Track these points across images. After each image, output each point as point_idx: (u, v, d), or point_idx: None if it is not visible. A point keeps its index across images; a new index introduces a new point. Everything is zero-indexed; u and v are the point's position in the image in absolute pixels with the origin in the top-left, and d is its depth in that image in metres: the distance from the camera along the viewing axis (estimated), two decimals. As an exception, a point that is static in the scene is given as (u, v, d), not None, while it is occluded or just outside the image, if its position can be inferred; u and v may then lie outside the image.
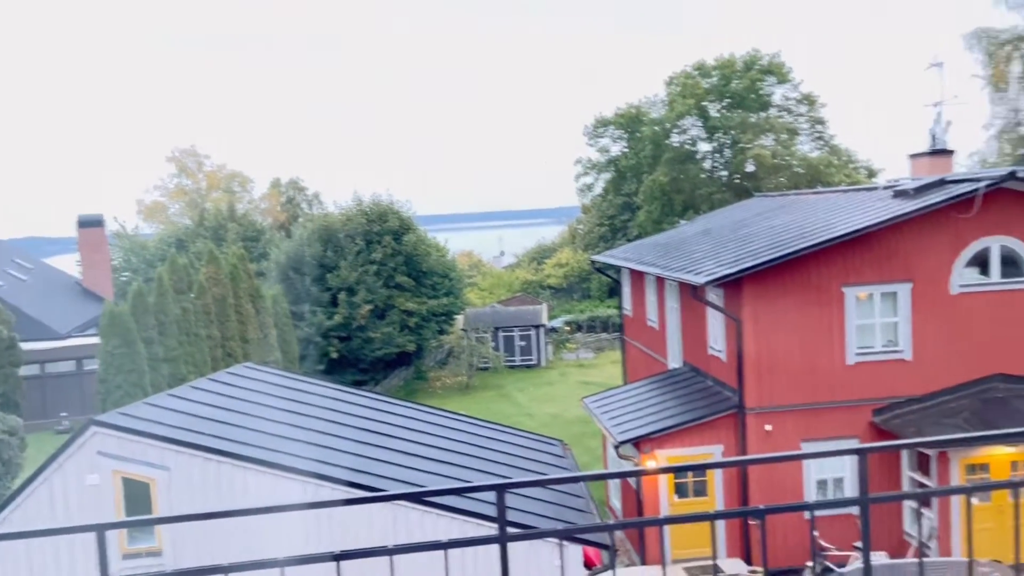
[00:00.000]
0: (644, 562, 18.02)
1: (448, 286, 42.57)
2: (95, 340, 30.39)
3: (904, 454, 16.70)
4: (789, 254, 16.61)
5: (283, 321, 33.32)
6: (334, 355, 38.18)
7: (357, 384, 35.61)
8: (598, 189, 61.74)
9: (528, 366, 44.28)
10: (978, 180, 16.81)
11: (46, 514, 13.07)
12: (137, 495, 13.19)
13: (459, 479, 14.38)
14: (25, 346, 25.27)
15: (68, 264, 52.88)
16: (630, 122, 57.66)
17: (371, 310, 39.16)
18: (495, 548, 2.62)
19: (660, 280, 22.58)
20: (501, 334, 44.44)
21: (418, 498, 12.53)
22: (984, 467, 15.81)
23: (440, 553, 2.54)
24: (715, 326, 18.63)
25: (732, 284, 17.16)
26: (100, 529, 3.11)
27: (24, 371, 23.34)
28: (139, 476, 13.22)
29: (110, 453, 13.17)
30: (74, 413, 32.74)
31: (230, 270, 30.82)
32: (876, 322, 17.07)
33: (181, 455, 13.25)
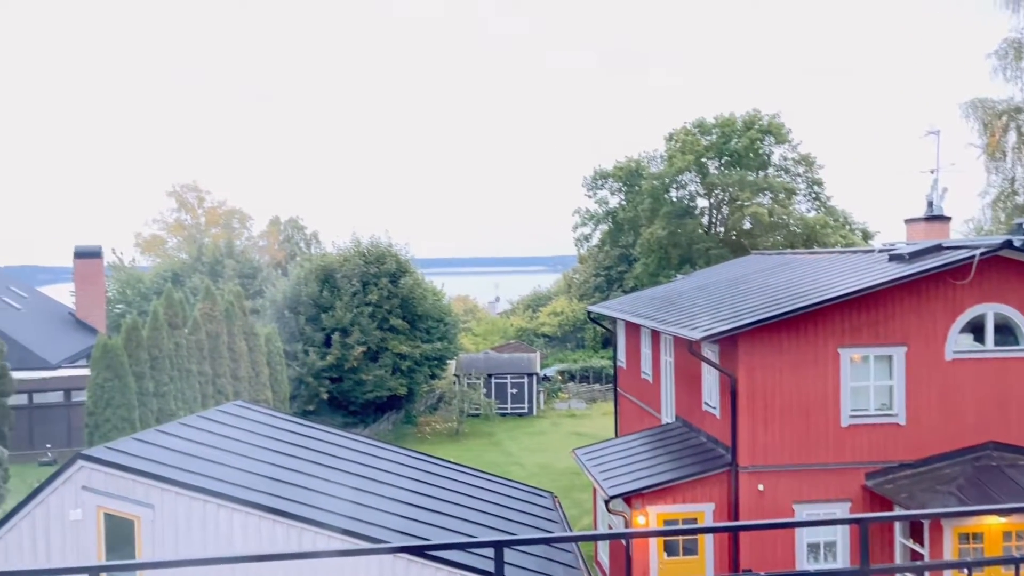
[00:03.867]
0: (631, 621, 17.71)
1: (442, 331, 42.50)
2: (85, 372, 30.16)
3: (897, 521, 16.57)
4: (786, 313, 16.66)
5: (276, 360, 33.15)
6: (324, 396, 37.91)
7: (347, 426, 35.31)
8: (595, 240, 62.08)
9: (519, 414, 44.00)
10: (974, 247, 16.97)
11: (27, 549, 12.83)
12: (120, 532, 12.98)
13: (450, 529, 14.20)
14: (15, 375, 25.06)
15: (62, 294, 52.72)
16: (629, 175, 58.26)
17: (364, 352, 39.01)
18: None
19: (655, 333, 22.58)
20: (493, 381, 44.24)
21: (420, 551, 12.35)
22: (978, 536, 15.67)
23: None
24: (710, 382, 18.59)
25: (728, 340, 17.18)
26: (94, 572, 3.07)
27: (12, 400, 23.09)
28: (123, 513, 13.02)
29: (95, 488, 12.98)
30: (60, 445, 32.34)
31: (225, 307, 30.76)
32: (871, 385, 17.07)
33: (167, 493, 13.07)
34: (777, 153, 54.08)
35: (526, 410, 44.28)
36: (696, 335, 17.23)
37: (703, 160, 53.22)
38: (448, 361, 44.67)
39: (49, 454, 31.80)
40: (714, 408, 18.31)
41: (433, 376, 43.49)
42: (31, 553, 12.87)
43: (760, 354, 16.89)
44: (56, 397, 33.95)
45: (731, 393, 17.08)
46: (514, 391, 44.43)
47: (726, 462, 17.27)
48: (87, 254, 45.58)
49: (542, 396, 46.39)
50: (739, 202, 52.48)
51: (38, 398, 33.40)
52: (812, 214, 53.21)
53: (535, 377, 44.92)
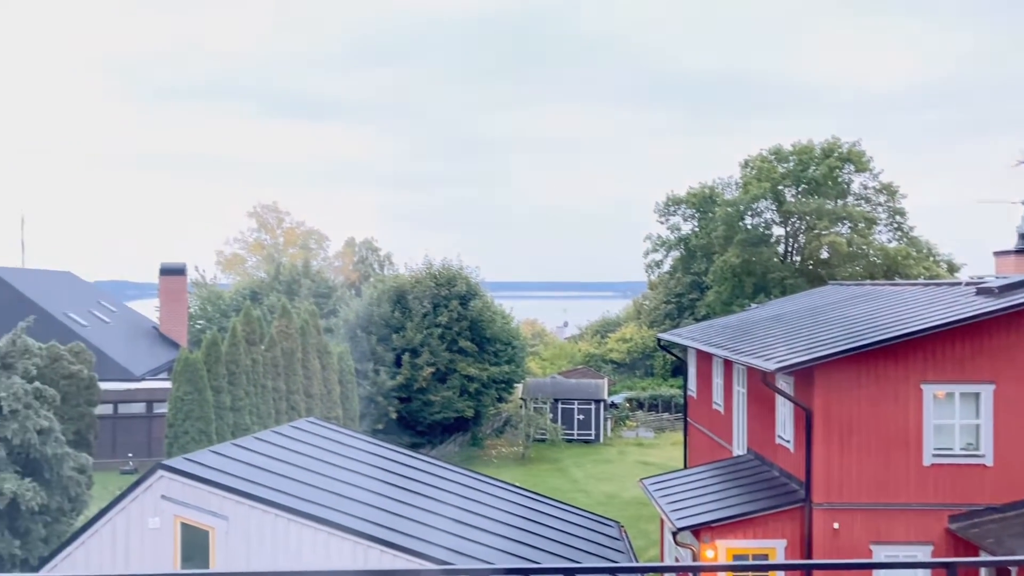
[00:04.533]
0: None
1: (510, 354, 42.60)
2: (167, 384, 31.22)
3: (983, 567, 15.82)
4: (866, 345, 16.19)
5: (347, 378, 33.73)
6: (393, 415, 38.34)
7: (414, 447, 35.60)
8: (666, 266, 61.50)
9: (586, 441, 43.66)
10: (1069, 282, 16.22)
11: (107, 554, 13.28)
12: (195, 542, 13.32)
13: (516, 555, 14.14)
14: (102, 385, 26.14)
15: (148, 309, 54.82)
16: (702, 202, 57.64)
17: (433, 373, 39.38)
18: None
19: (728, 363, 22.19)
20: (560, 406, 44.06)
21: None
22: (1071, 587, 14.83)
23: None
24: (784, 414, 18.16)
25: (804, 373, 16.76)
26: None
27: (98, 410, 24.09)
28: (199, 523, 13.38)
29: (173, 498, 13.38)
30: (140, 455, 33.49)
31: (301, 325, 31.48)
32: (956, 423, 16.41)
33: (240, 506, 13.38)
34: (857, 181, 52.80)
35: (593, 437, 43.91)
36: (771, 366, 16.86)
37: (779, 187, 52.31)
38: (515, 384, 44.70)
39: (131, 463, 32.96)
40: (788, 441, 17.85)
41: (500, 399, 43.57)
42: (111, 558, 13.32)
43: (838, 387, 16.43)
44: (139, 408, 35.24)
45: (806, 426, 16.64)
46: (581, 417, 44.16)
47: (800, 497, 16.80)
48: (172, 271, 47.42)
49: (609, 423, 45.98)
50: (816, 231, 51.33)
51: (122, 408, 34.71)
52: (893, 244, 51.68)
53: (602, 404, 44.58)
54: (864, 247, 50.29)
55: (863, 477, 16.45)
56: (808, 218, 51.89)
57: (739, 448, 21.46)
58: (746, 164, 54.88)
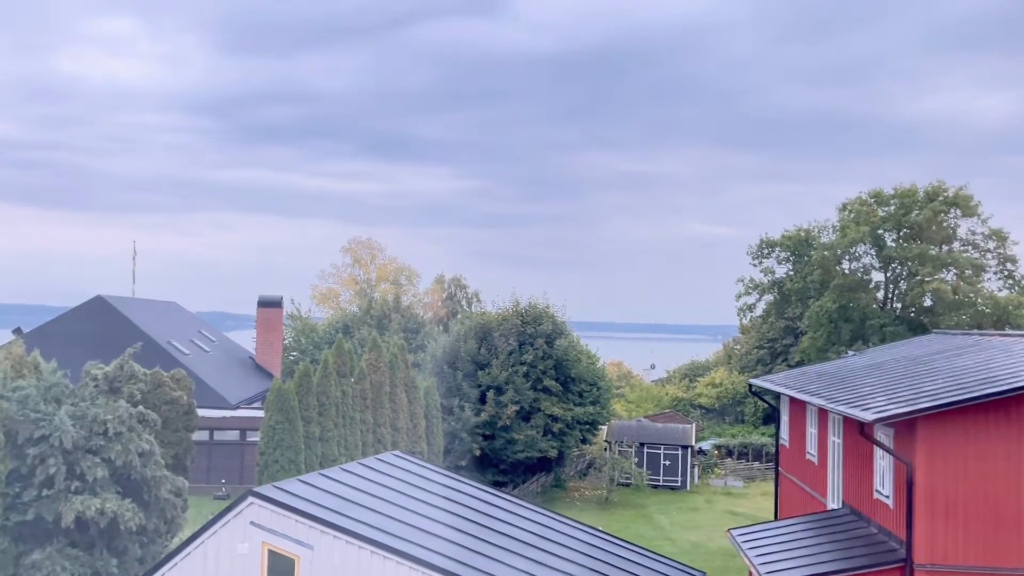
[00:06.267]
0: None
1: (595, 394, 42.25)
2: (260, 413, 32.20)
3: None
4: (976, 398, 15.39)
5: (433, 413, 34.05)
6: (477, 452, 38.42)
7: (496, 484, 35.53)
8: (759, 310, 60.17)
9: (672, 487, 42.81)
10: None
11: (198, 576, 13.68)
12: (281, 569, 13.60)
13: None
14: (199, 412, 27.16)
15: (246, 339, 56.89)
16: (797, 245, 56.29)
17: (517, 411, 39.35)
18: None
19: (823, 412, 21.47)
20: (646, 450, 43.39)
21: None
22: None
23: None
24: (883, 468, 17.40)
25: (905, 424, 16.05)
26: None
27: (195, 436, 25.05)
28: (285, 551, 13.66)
29: (262, 525, 13.71)
30: (232, 481, 34.53)
31: (390, 358, 32.03)
32: (1074, 485, 15.35)
33: (326, 535, 13.60)
34: (964, 227, 50.72)
35: (679, 484, 43.03)
36: (869, 416, 16.21)
37: (879, 232, 50.70)
38: (600, 426, 44.23)
39: (224, 488, 34.00)
40: (887, 497, 17.06)
41: (584, 440, 43.16)
42: (201, 581, 13.71)
43: (942, 441, 15.65)
44: (233, 435, 36.41)
45: (907, 482, 15.88)
46: (667, 463, 43.36)
47: (899, 557, 15.99)
48: (269, 303, 49.23)
49: (696, 470, 45.03)
50: (919, 277, 49.41)
51: (218, 435, 35.94)
52: (1004, 293, 49.25)
53: (690, 450, 43.68)
54: (971, 295, 48.07)
55: (969, 539, 15.55)
56: (910, 264, 50.06)
57: (834, 501, 20.67)
58: (844, 207, 53.46)
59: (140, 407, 19.24)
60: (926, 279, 48.67)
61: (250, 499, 13.79)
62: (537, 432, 39.55)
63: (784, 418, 26.12)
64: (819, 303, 50.82)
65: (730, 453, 49.59)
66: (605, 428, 44.92)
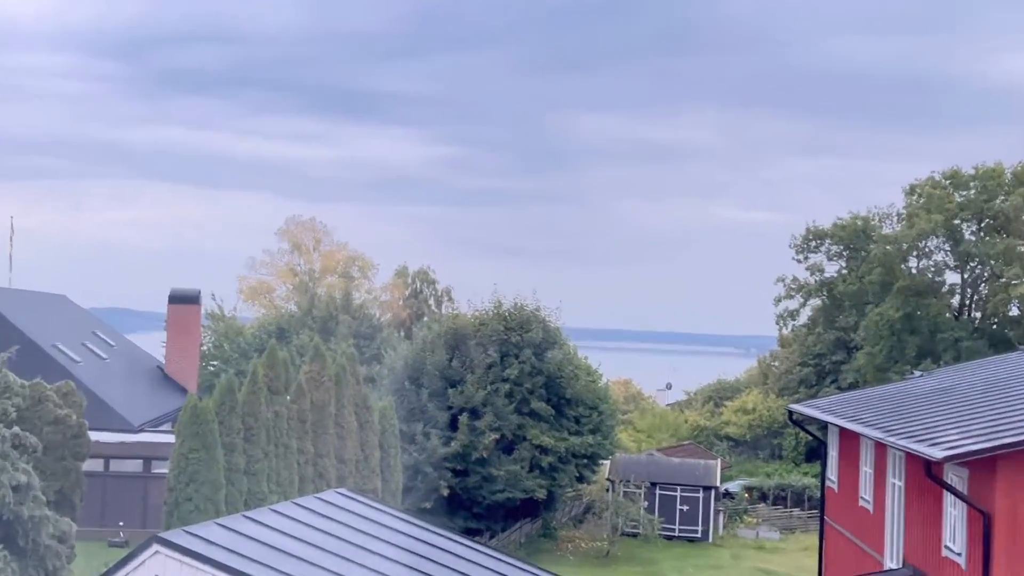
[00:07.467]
0: None
1: (596, 421, 42.43)
2: (170, 438, 32.04)
3: None
4: (1068, 433, 15.56)
5: (390, 441, 34.06)
6: (445, 492, 38.48)
7: (469, 532, 35.54)
8: (804, 318, 60.66)
9: (690, 539, 43.17)
10: None
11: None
12: (191, 636, 13.53)
13: None
14: (92, 435, 26.97)
15: (153, 343, 56.62)
16: (853, 237, 56.74)
17: (497, 440, 39.44)
18: None
19: (881, 447, 21.66)
20: (658, 492, 43.73)
21: None
22: None
23: None
24: (954, 518, 17.59)
25: (983, 463, 16.22)
26: None
27: (87, 466, 24.84)
28: (198, 613, 13.59)
29: (169, 580, 13.64)
30: (133, 523, 34.34)
31: (336, 372, 32.00)
32: None
33: (251, 594, 13.56)
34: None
35: (699, 534, 43.40)
36: (937, 453, 16.37)
37: (956, 222, 51.20)
38: (601, 461, 44.43)
39: (121, 533, 33.82)
40: (959, 555, 17.25)
41: (581, 478, 43.30)
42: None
43: (1028, 486, 15.81)
44: (135, 466, 36.20)
45: (984, 535, 16.05)
46: (684, 508, 43.69)
47: (973, 630, 16.14)
48: (183, 299, 48.91)
49: (722, 518, 45.43)
50: (1004, 280, 49.96)
51: (115, 465, 35.70)
52: (1110, 302, 49.89)
53: (714, 492, 44.09)
54: (1069, 303, 48.72)
55: (1061, 608, 15.72)
56: (993, 263, 50.61)
57: (892, 559, 20.90)
58: (912, 191, 53.99)
59: (15, 428, 19.11)
60: (1013, 282, 49.20)
61: (155, 547, 13.73)
62: (522, 467, 39.63)
63: (832, 454, 26.34)
64: (879, 310, 51.29)
65: (764, 497, 50.01)
66: (608, 464, 45.14)
